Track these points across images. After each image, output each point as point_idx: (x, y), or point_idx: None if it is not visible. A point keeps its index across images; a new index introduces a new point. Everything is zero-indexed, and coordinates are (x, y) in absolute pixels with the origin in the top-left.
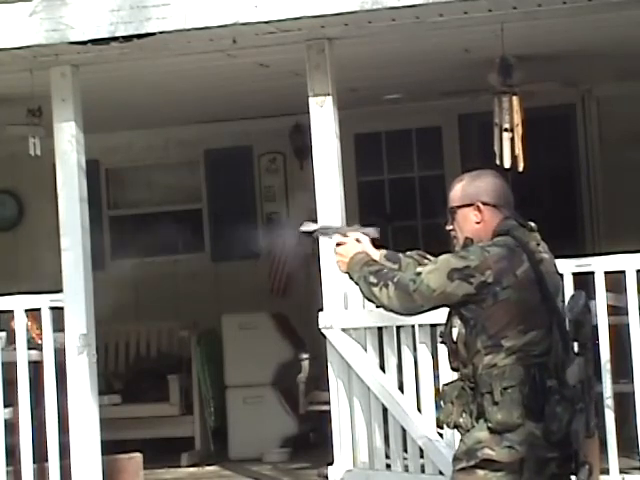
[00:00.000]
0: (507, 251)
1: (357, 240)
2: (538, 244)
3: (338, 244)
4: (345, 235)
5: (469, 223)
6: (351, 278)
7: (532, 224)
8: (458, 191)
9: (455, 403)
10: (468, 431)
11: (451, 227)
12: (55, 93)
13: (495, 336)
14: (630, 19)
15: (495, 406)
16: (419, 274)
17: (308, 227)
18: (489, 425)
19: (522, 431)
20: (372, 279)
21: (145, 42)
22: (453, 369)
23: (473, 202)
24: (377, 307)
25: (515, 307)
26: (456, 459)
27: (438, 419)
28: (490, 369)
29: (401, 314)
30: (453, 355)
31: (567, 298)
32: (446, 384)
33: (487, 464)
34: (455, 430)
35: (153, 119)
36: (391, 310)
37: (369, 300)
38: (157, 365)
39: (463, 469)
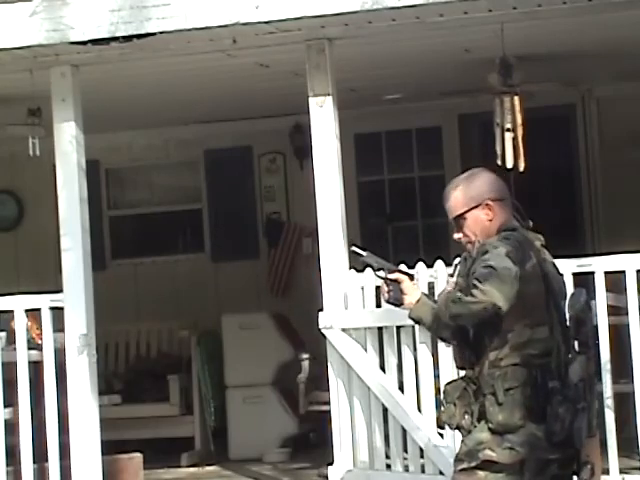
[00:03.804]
0: (518, 244)
1: (411, 278)
2: (542, 245)
3: (397, 280)
4: (397, 271)
5: (481, 223)
6: (416, 321)
7: (530, 223)
8: (459, 197)
9: (457, 404)
10: (470, 432)
11: (460, 235)
12: (55, 93)
13: (502, 330)
14: (630, 19)
15: (498, 407)
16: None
17: (359, 250)
18: (490, 426)
19: (523, 432)
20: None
21: (145, 42)
22: (459, 368)
23: (480, 202)
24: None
25: (523, 300)
26: (458, 460)
27: (439, 419)
28: (493, 370)
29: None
30: (460, 353)
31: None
32: (448, 383)
33: (488, 465)
34: (457, 431)
35: (153, 119)
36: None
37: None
38: (157, 365)
39: (464, 470)
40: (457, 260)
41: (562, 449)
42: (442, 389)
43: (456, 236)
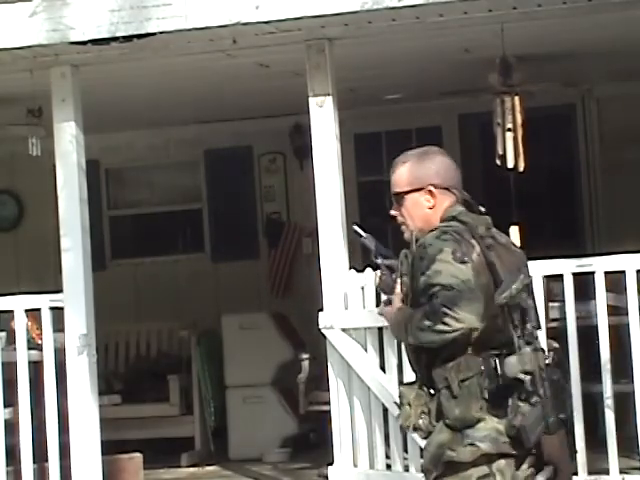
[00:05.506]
0: (458, 236)
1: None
2: (489, 228)
3: (391, 268)
4: (393, 259)
5: (420, 208)
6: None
7: (482, 208)
8: (404, 174)
9: (413, 405)
10: (430, 433)
11: (397, 212)
12: (55, 93)
13: None
14: (630, 19)
15: (453, 400)
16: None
17: (360, 231)
18: (447, 422)
19: (483, 426)
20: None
21: (145, 42)
22: (414, 371)
23: (423, 186)
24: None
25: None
26: (426, 471)
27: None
28: (445, 363)
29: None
30: (414, 355)
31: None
32: (403, 384)
33: (451, 467)
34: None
35: (153, 119)
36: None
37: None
38: (157, 365)
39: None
40: (401, 255)
41: (522, 445)
42: (398, 392)
43: (392, 212)
